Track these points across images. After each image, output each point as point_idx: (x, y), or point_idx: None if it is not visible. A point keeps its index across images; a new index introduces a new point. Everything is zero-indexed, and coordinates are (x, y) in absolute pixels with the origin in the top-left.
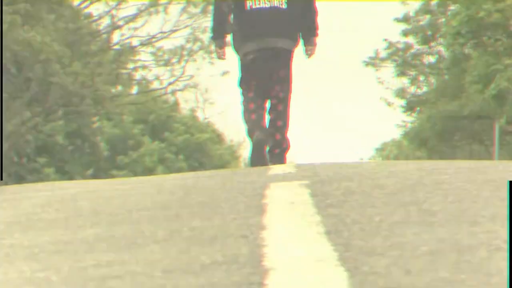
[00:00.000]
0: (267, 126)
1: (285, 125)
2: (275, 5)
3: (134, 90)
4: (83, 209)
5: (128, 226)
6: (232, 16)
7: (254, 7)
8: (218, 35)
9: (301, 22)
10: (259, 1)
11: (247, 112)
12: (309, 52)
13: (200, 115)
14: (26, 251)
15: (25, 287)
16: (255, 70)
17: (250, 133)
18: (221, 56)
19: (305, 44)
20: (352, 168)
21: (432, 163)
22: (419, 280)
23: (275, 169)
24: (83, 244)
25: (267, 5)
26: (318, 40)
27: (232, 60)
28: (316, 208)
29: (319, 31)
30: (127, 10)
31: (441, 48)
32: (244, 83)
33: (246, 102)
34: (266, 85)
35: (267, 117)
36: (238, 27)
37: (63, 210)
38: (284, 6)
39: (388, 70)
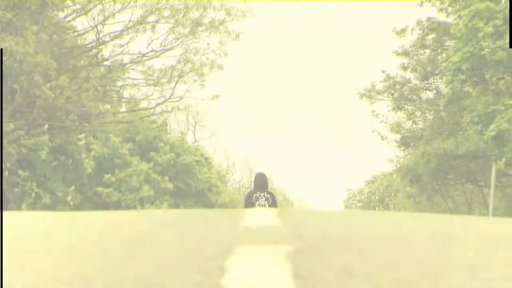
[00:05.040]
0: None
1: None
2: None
3: (122, 108)
4: None
5: None
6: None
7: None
8: None
9: None
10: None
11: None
12: None
13: (191, 137)
14: None
15: None
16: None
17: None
18: None
19: None
20: (345, 228)
21: (440, 219)
22: None
23: (252, 217)
24: None
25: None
26: None
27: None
28: None
29: None
30: (113, 26)
31: (440, 84)
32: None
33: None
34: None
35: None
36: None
37: None
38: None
39: (384, 103)
